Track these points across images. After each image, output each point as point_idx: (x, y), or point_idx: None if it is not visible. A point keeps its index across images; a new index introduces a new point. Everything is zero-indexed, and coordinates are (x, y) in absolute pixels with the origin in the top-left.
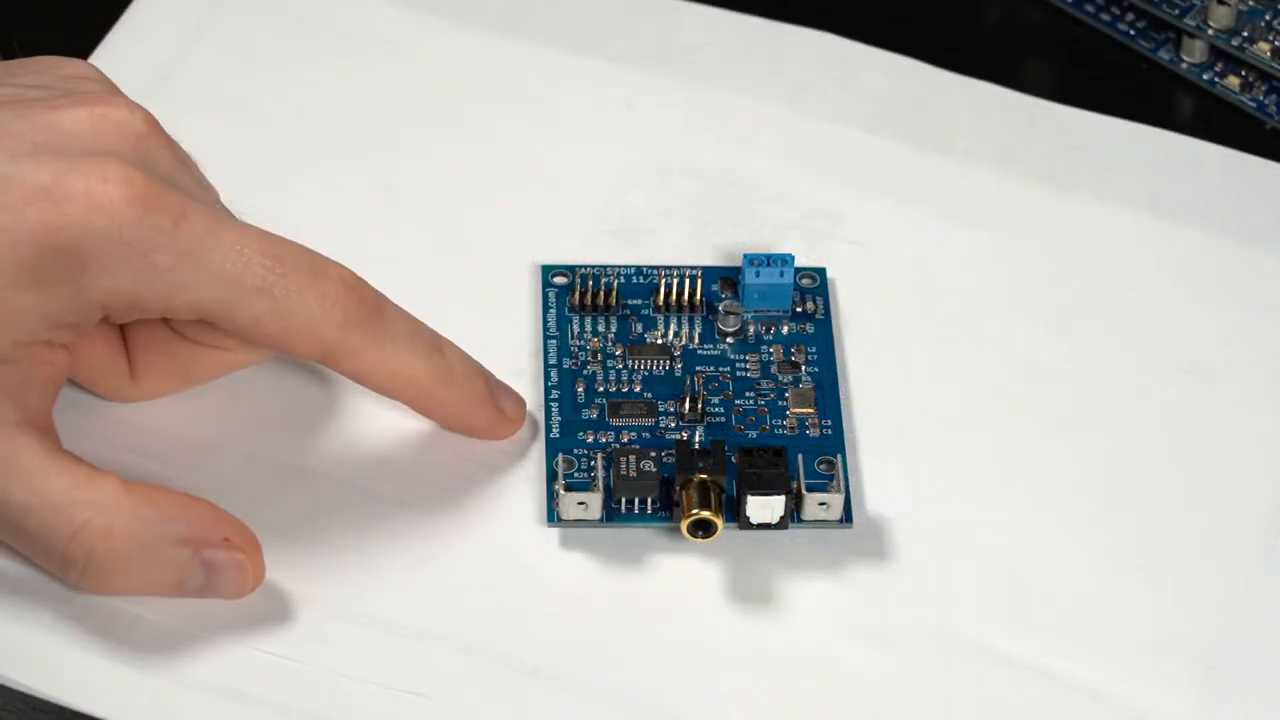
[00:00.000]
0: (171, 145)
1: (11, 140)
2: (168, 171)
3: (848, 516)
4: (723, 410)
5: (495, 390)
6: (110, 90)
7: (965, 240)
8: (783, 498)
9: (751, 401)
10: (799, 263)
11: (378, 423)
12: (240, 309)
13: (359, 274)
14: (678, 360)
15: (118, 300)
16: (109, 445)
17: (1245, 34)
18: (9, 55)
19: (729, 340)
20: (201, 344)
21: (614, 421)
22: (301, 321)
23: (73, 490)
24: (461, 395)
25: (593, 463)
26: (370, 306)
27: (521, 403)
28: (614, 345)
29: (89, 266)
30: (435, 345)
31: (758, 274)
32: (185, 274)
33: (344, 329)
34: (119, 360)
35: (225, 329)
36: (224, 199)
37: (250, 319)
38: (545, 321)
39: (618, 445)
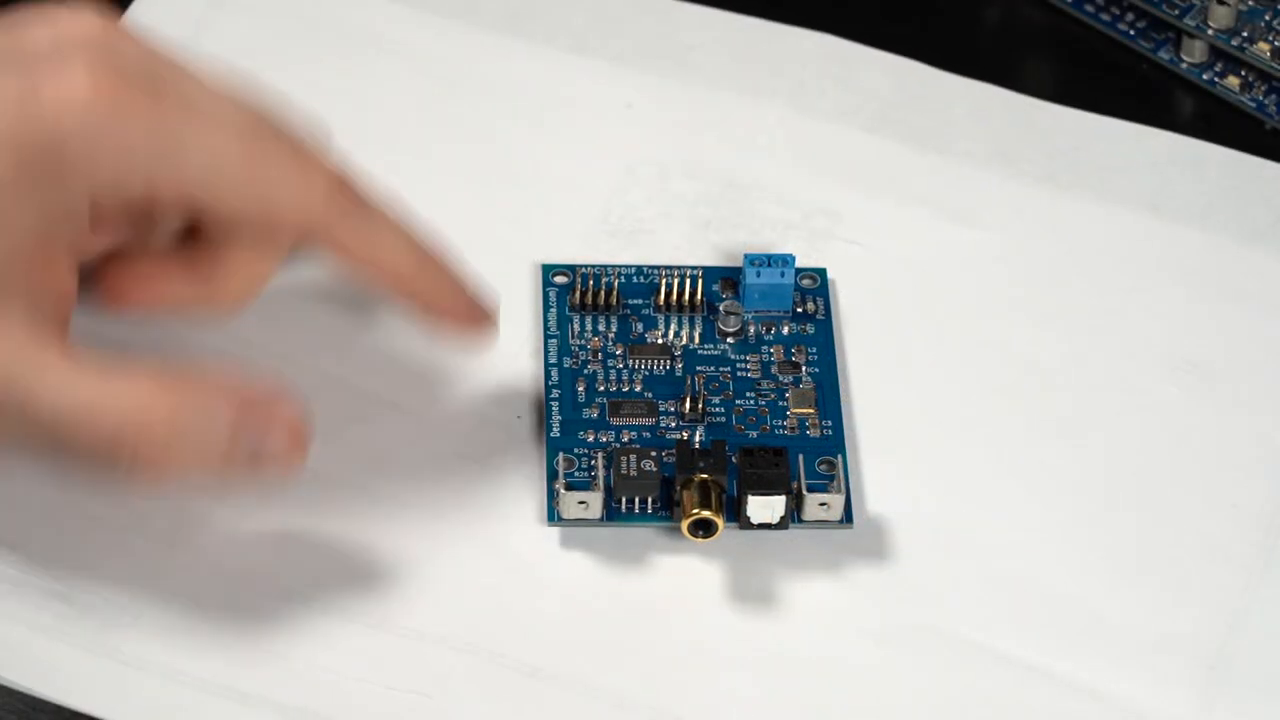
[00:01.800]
0: (139, 43)
1: None
2: (137, 61)
3: (848, 517)
4: (723, 410)
5: (470, 285)
6: (68, 5)
7: (965, 240)
8: (783, 498)
9: (752, 401)
10: (799, 263)
11: (378, 422)
12: (221, 190)
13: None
14: (678, 360)
15: (103, 190)
16: None
17: (1245, 34)
18: None
19: (729, 340)
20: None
21: (614, 421)
22: (282, 199)
23: (105, 383)
24: (441, 282)
25: (593, 462)
26: (353, 191)
27: (495, 304)
28: (614, 345)
29: (69, 165)
30: (417, 236)
31: (758, 274)
32: (164, 161)
33: (324, 208)
34: (194, 271)
35: (210, 212)
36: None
37: (232, 199)
38: (546, 321)
39: (618, 445)
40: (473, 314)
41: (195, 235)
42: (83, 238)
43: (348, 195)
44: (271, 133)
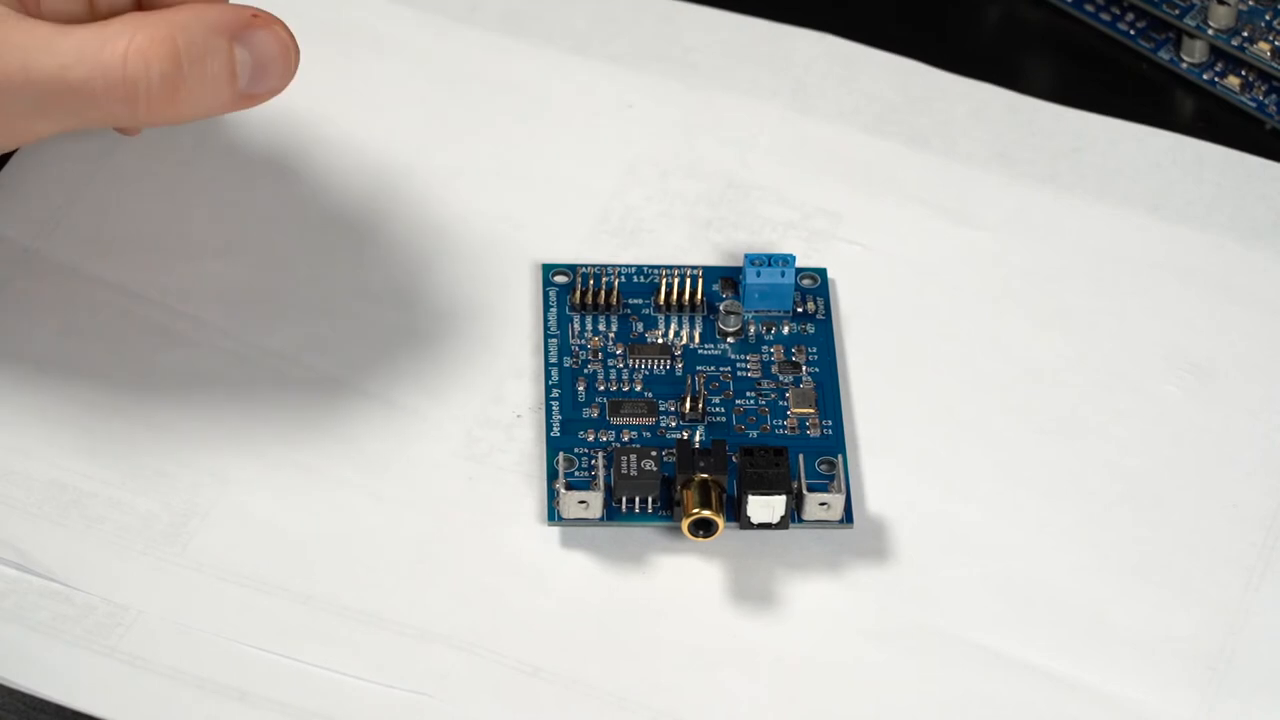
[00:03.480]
0: None
1: None
2: None
3: (848, 516)
4: (723, 410)
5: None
6: None
7: (965, 240)
8: (783, 497)
9: (752, 401)
10: (799, 263)
11: (378, 422)
12: None
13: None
14: (678, 360)
15: None
16: None
17: (1245, 34)
18: None
19: (730, 340)
20: None
21: (615, 420)
22: None
23: (100, 30)
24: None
25: (593, 461)
26: None
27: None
28: (615, 344)
29: None
30: None
31: (759, 274)
32: None
33: None
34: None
35: None
36: (224, 198)
37: None
38: (546, 320)
39: (618, 444)
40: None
41: None
42: None
43: None
44: None
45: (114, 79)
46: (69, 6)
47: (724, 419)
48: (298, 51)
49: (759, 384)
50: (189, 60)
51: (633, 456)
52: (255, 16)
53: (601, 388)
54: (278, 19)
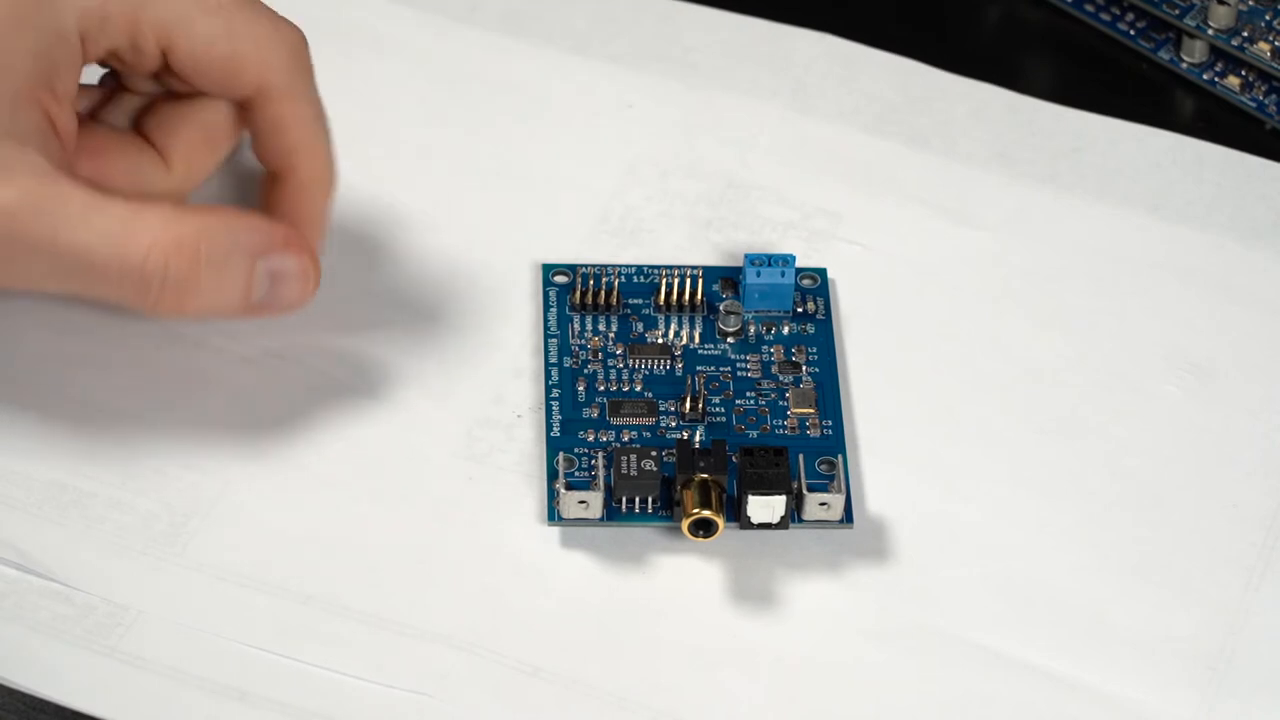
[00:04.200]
0: None
1: None
2: None
3: (848, 517)
4: (723, 410)
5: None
6: None
7: (965, 240)
8: (783, 497)
9: (752, 401)
10: (799, 263)
11: (378, 422)
12: (196, 26)
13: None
14: (678, 360)
15: (89, 20)
16: None
17: (1245, 34)
18: None
19: (730, 340)
20: (205, 104)
21: (615, 420)
22: (249, 49)
23: (131, 217)
24: (327, 188)
25: (593, 461)
26: (309, 62)
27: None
28: (615, 344)
29: None
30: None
31: (759, 274)
32: None
33: (286, 69)
34: (146, 151)
35: (181, 52)
36: (224, 199)
37: (204, 38)
38: (546, 320)
39: (618, 444)
40: (324, 228)
41: (153, 110)
42: (76, 73)
43: (307, 60)
44: None
45: (131, 272)
46: (140, 161)
47: (724, 419)
48: (318, 278)
49: (759, 384)
50: (208, 270)
51: (633, 456)
52: (286, 241)
53: (601, 388)
54: (308, 244)
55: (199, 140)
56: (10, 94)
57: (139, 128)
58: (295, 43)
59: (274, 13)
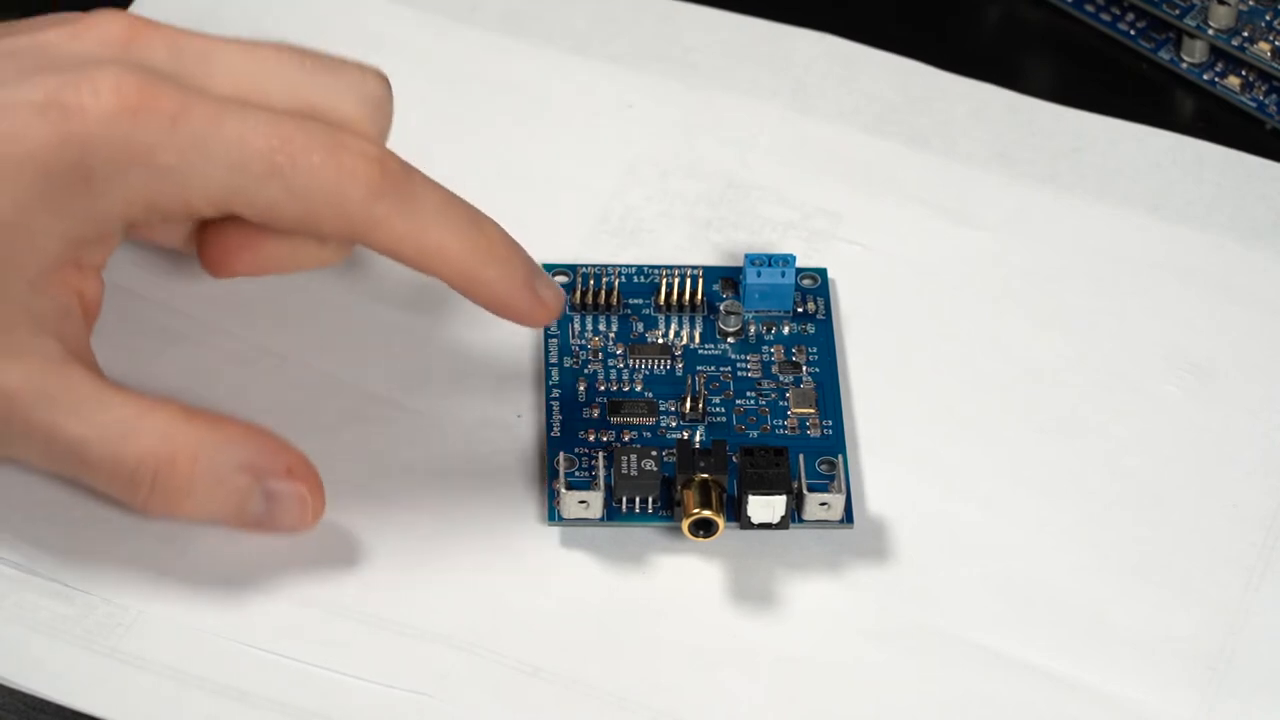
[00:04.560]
0: (164, 34)
1: (1, 69)
2: (164, 65)
3: (849, 517)
4: (724, 410)
5: (534, 274)
6: (94, 11)
7: (965, 240)
8: (784, 497)
9: (752, 401)
10: (800, 263)
11: (378, 422)
12: (254, 195)
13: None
14: (679, 360)
15: (134, 207)
16: None
17: (1245, 34)
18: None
19: (730, 340)
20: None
21: (615, 420)
22: (320, 200)
23: (134, 419)
24: (498, 274)
25: (594, 461)
26: (396, 177)
27: (560, 293)
28: (615, 344)
29: (96, 178)
30: (473, 220)
31: (759, 274)
32: (192, 170)
33: (367, 202)
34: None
35: (249, 218)
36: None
37: (266, 204)
38: None
39: (619, 444)
40: (530, 312)
41: None
42: (111, 248)
43: (390, 182)
44: (302, 124)
45: (121, 475)
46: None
47: (724, 419)
48: (320, 508)
49: (759, 384)
50: (202, 485)
51: (633, 456)
52: (288, 468)
53: (602, 388)
54: (313, 473)
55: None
56: (34, 274)
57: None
58: (369, 172)
59: (337, 145)
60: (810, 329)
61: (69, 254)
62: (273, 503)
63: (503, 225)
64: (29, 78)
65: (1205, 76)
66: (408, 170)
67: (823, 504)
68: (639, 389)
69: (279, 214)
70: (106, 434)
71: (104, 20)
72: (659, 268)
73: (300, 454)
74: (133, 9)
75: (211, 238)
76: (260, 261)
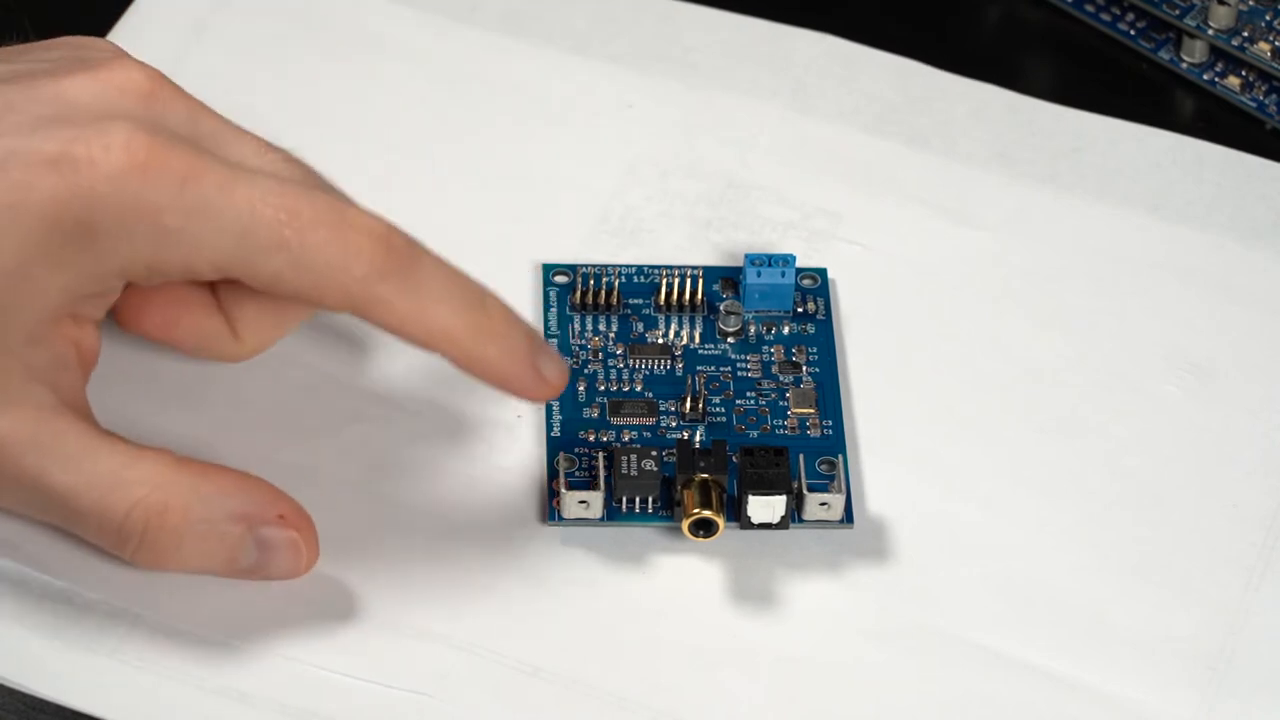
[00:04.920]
0: (184, 99)
1: (17, 115)
2: (180, 127)
3: (849, 517)
4: (724, 410)
5: (537, 350)
6: (118, 54)
7: (965, 240)
8: (784, 497)
9: (752, 401)
10: (800, 263)
11: (378, 422)
12: (258, 265)
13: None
14: (679, 360)
15: (136, 266)
16: None
17: (1245, 34)
18: (23, 36)
19: (730, 340)
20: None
21: (615, 421)
22: (323, 275)
23: (123, 469)
24: (500, 353)
25: (594, 462)
26: (401, 257)
27: (564, 367)
28: (615, 344)
29: (101, 235)
30: (476, 298)
31: (759, 274)
32: (198, 234)
33: (370, 281)
34: (216, 320)
35: (250, 285)
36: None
37: (270, 274)
38: (546, 320)
39: (619, 444)
40: (532, 388)
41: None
42: (109, 303)
43: (394, 260)
44: (311, 197)
45: (109, 526)
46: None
47: (724, 419)
48: (314, 555)
49: (759, 384)
50: (192, 537)
51: (633, 456)
52: (282, 517)
53: (602, 388)
54: (306, 519)
55: (268, 318)
56: (32, 325)
57: (215, 287)
58: (374, 250)
59: (343, 222)
60: (810, 329)
61: (67, 307)
62: (265, 551)
63: (503, 225)
64: (44, 128)
65: (1205, 76)
66: (412, 248)
67: (823, 504)
68: (639, 389)
69: (282, 285)
70: (95, 484)
71: (127, 71)
72: (659, 268)
73: (292, 501)
74: (131, 10)
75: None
76: (179, 331)
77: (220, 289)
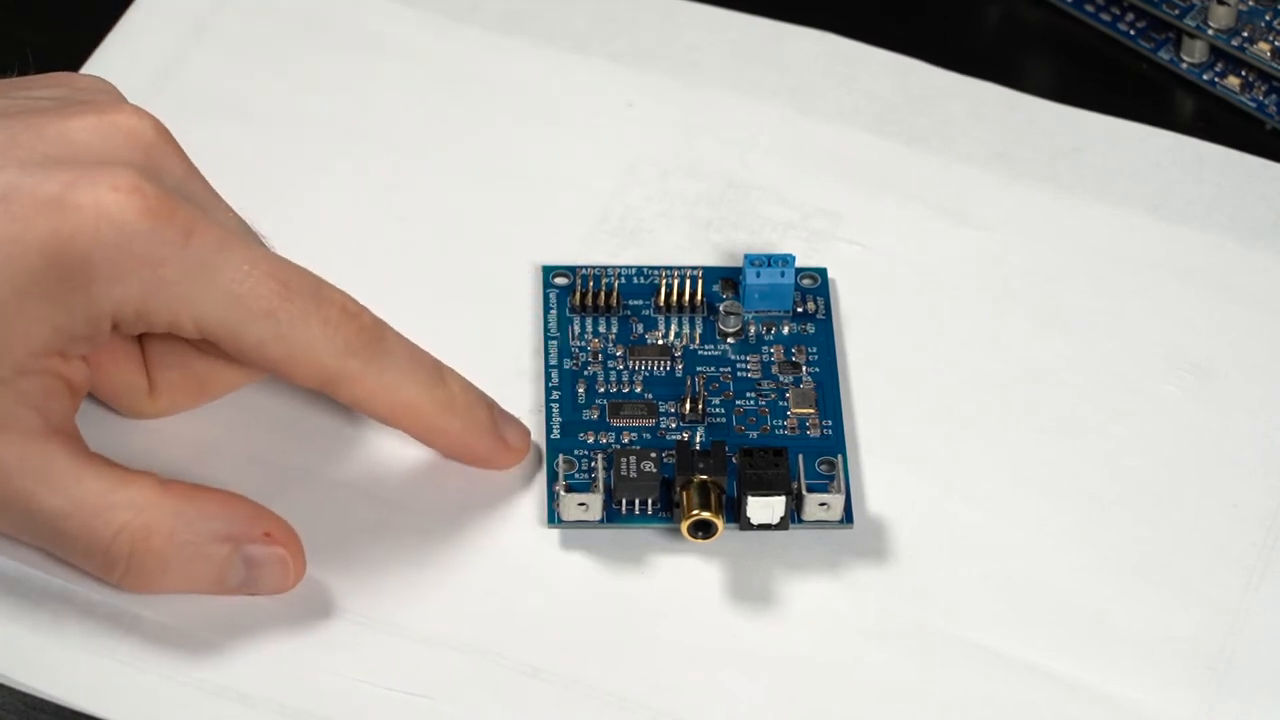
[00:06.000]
0: (181, 154)
1: (21, 151)
2: (178, 181)
3: (848, 517)
4: (723, 411)
5: (498, 419)
6: (120, 100)
7: (965, 240)
8: (783, 498)
9: (752, 402)
10: (799, 263)
11: (378, 424)
12: (245, 331)
13: (359, 296)
14: (678, 361)
15: (125, 311)
16: (110, 451)
17: (1245, 34)
18: (24, 70)
19: (730, 340)
20: (215, 358)
21: (614, 422)
22: (303, 347)
23: (109, 492)
24: (462, 425)
25: (593, 463)
26: (370, 334)
27: (525, 433)
28: (615, 346)
29: (97, 277)
30: (437, 373)
31: (759, 274)
32: (192, 290)
33: (344, 357)
34: (139, 376)
35: (227, 349)
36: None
37: (254, 341)
38: (546, 322)
39: (618, 446)
40: (495, 456)
41: (158, 336)
42: (100, 341)
43: (364, 337)
44: (297, 269)
45: (96, 550)
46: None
47: (724, 420)
48: (301, 570)
49: (759, 384)
50: (179, 559)
51: (632, 458)
52: (268, 534)
53: (601, 389)
54: (291, 535)
55: (190, 388)
56: (21, 357)
57: (143, 344)
58: (348, 327)
59: (323, 297)
60: (810, 329)
61: (57, 344)
62: (253, 568)
63: (503, 225)
64: (49, 166)
65: (1205, 76)
66: (379, 326)
67: (822, 504)
68: (639, 390)
69: (262, 353)
70: (81, 508)
71: (133, 118)
72: (659, 268)
73: (277, 518)
74: (131, 10)
75: (166, 377)
76: (100, 379)
77: (151, 349)
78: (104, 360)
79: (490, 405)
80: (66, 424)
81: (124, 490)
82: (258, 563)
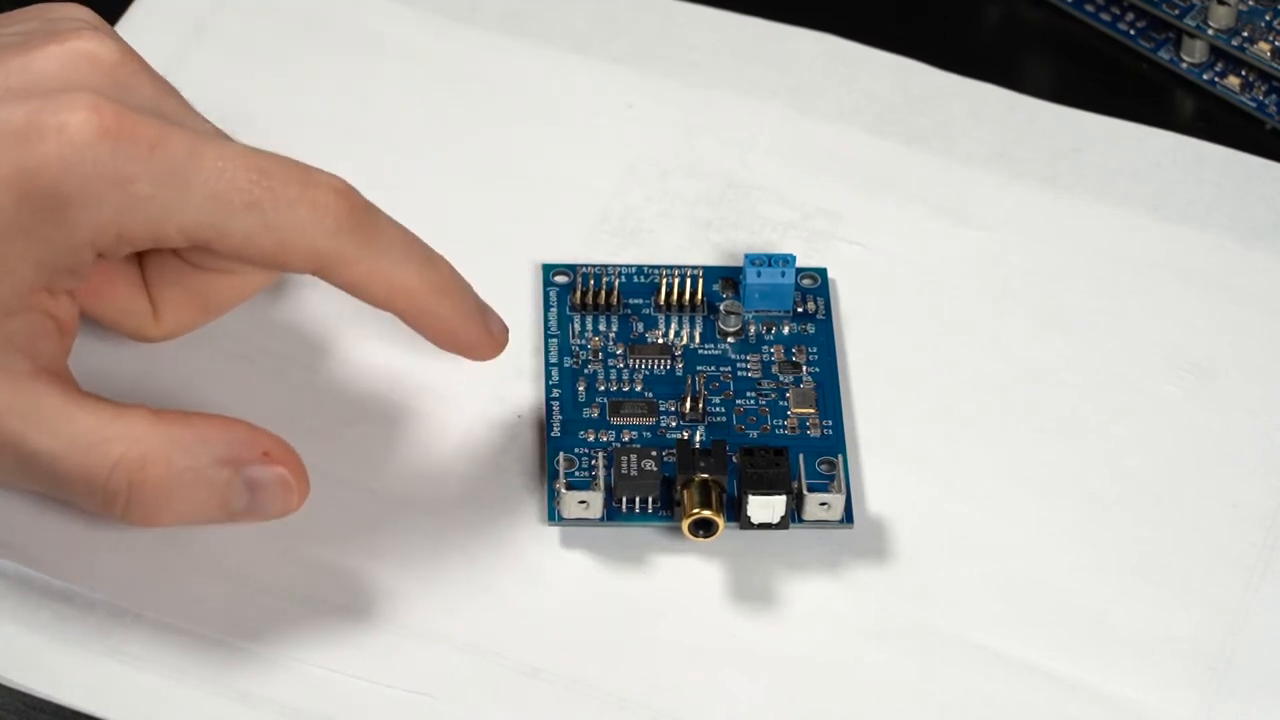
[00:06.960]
0: (150, 72)
1: None
2: (146, 98)
3: (849, 517)
4: (724, 410)
5: (483, 310)
6: (87, 24)
7: (965, 240)
8: (784, 497)
9: (752, 401)
10: (799, 263)
11: (378, 422)
12: (230, 227)
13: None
14: (679, 360)
15: (105, 235)
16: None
17: (1245, 34)
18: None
19: (730, 340)
20: (210, 269)
21: (615, 421)
22: (293, 232)
23: (102, 427)
24: (453, 308)
25: (594, 462)
26: (362, 214)
27: (505, 326)
28: (615, 344)
29: (71, 205)
30: (428, 257)
31: (759, 274)
32: (169, 200)
33: (337, 237)
34: (140, 299)
35: (219, 250)
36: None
37: (242, 236)
38: (546, 320)
39: (619, 444)
40: (480, 343)
41: (157, 256)
42: (84, 275)
43: (356, 217)
44: (276, 157)
45: (95, 486)
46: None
47: (724, 419)
48: (305, 488)
49: (759, 384)
50: (180, 485)
51: (633, 456)
52: (267, 453)
53: (602, 388)
54: (291, 454)
55: (192, 305)
56: (5, 299)
57: (143, 265)
58: (338, 207)
59: (309, 180)
60: (810, 329)
61: (41, 280)
62: (255, 491)
63: (503, 225)
64: (10, 100)
65: (1205, 76)
66: (371, 206)
67: (823, 504)
68: (639, 389)
69: (252, 246)
70: (75, 445)
71: (95, 42)
72: (659, 268)
73: (275, 436)
74: (131, 10)
75: (167, 296)
76: (101, 306)
77: (149, 269)
78: (103, 287)
79: (476, 295)
80: (56, 364)
81: (117, 423)
82: (260, 485)
